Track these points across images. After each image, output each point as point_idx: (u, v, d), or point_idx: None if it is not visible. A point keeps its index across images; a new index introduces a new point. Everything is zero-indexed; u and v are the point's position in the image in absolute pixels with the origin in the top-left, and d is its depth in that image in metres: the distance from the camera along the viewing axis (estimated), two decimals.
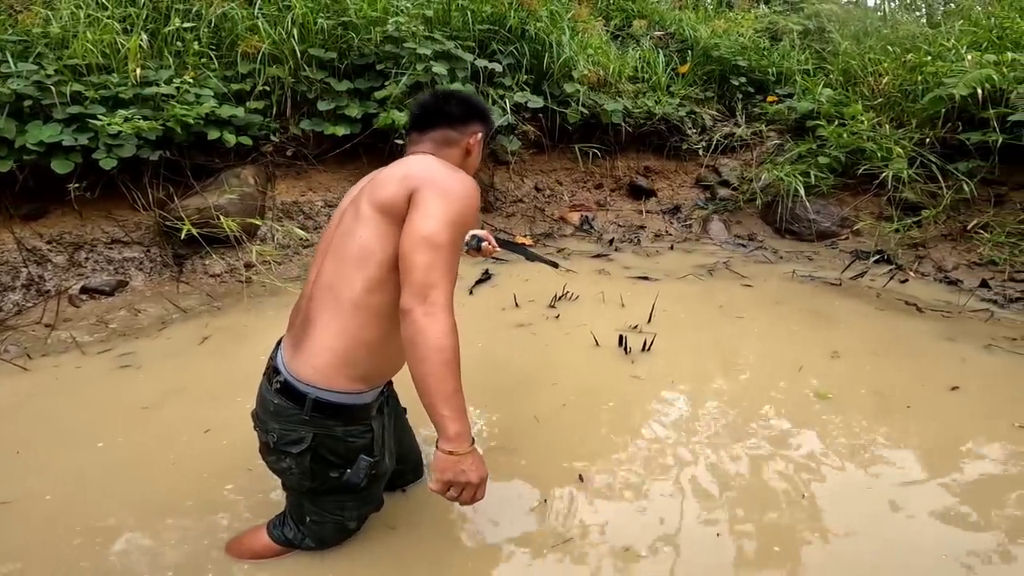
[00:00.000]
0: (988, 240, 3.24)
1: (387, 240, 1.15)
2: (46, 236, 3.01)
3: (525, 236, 3.91)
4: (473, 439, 1.11)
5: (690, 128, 4.53)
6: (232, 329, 2.66)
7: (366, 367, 1.20)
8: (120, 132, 2.89)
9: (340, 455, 1.22)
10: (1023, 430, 1.89)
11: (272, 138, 3.50)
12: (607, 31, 5.07)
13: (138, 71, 3.09)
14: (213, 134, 3.14)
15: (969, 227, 3.38)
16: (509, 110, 3.92)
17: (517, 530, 1.50)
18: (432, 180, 1.15)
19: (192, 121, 3.01)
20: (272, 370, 1.24)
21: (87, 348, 2.50)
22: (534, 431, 1.90)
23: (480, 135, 1.36)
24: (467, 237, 1.61)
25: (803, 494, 1.62)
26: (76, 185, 2.91)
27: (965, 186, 3.45)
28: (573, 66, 4.26)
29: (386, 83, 3.72)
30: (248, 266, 3.12)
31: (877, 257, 3.43)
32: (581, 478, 1.68)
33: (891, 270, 3.27)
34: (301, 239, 3.42)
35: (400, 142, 3.59)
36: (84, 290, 2.98)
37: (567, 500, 1.60)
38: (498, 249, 1.73)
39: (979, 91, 3.37)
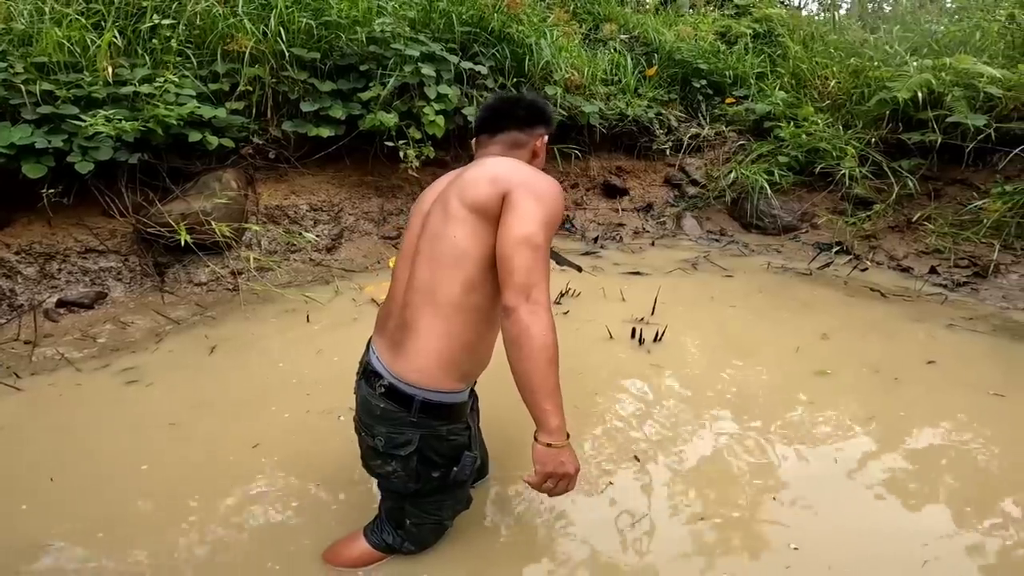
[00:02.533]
0: (933, 231, 3.63)
1: (482, 240, 1.17)
2: (14, 247, 2.79)
3: None
4: (568, 434, 1.15)
5: (658, 129, 4.75)
6: (236, 338, 2.58)
7: (468, 365, 1.24)
8: (98, 134, 2.71)
9: (444, 454, 1.25)
10: (997, 397, 2.17)
11: (253, 140, 3.38)
12: (580, 34, 5.21)
13: (110, 69, 2.90)
14: (194, 136, 3.00)
15: (914, 219, 3.77)
16: None
17: (594, 514, 1.60)
18: (525, 182, 1.18)
19: (174, 122, 2.87)
20: (373, 374, 1.25)
21: (80, 364, 2.36)
22: (579, 420, 1.99)
23: (545, 137, 1.40)
24: None
25: (834, 458, 1.83)
26: (50, 191, 2.71)
27: (909, 182, 3.83)
28: (554, 69, 4.37)
29: (370, 84, 3.68)
30: (235, 273, 3.00)
31: (837, 248, 3.75)
32: (637, 459, 1.80)
33: (851, 260, 3.61)
34: (289, 244, 3.33)
35: (390, 144, 3.56)
36: (61, 303, 2.79)
37: (632, 480, 1.73)
38: None
39: (919, 94, 3.75)
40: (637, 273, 3.44)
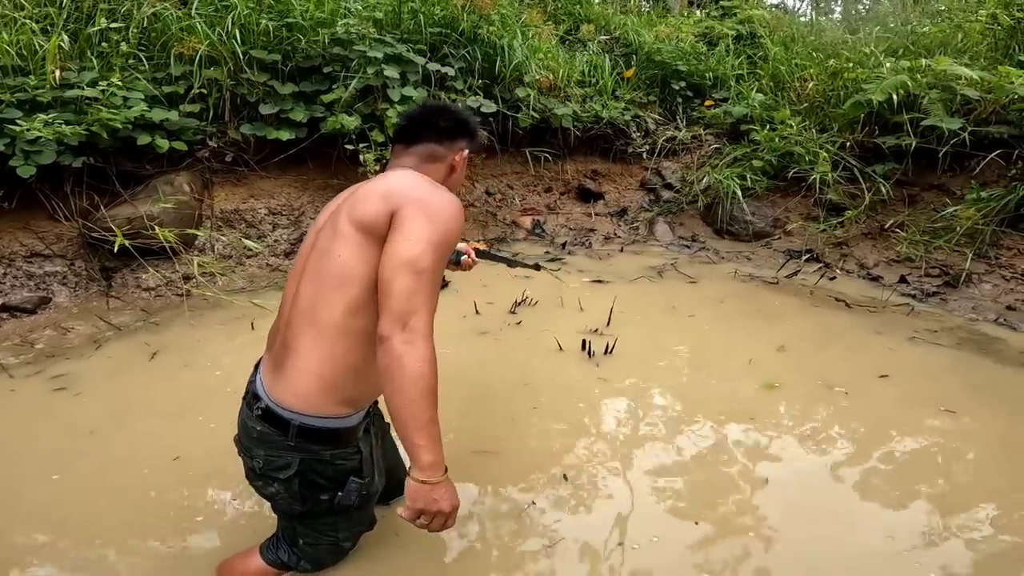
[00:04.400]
0: (905, 239, 3.55)
1: (368, 260, 1.10)
2: None
3: (479, 241, 3.91)
4: (446, 468, 1.09)
5: (635, 132, 4.68)
6: (178, 345, 2.53)
7: (352, 391, 1.17)
8: (39, 138, 2.66)
9: (329, 478, 1.19)
10: (948, 413, 2.10)
11: (209, 143, 3.32)
12: (556, 35, 5.15)
13: (58, 73, 2.86)
14: (143, 139, 2.95)
15: (887, 226, 3.68)
16: None
17: (511, 532, 1.54)
18: (417, 199, 1.11)
19: (120, 125, 2.82)
20: (252, 395, 1.20)
21: (14, 370, 2.32)
22: (512, 434, 1.94)
23: (466, 152, 1.33)
24: None
25: (766, 479, 1.77)
26: None
27: (882, 188, 3.75)
28: (525, 70, 4.30)
29: (333, 86, 3.62)
30: (187, 278, 2.95)
31: (807, 256, 3.68)
32: (566, 477, 1.74)
33: (820, 268, 3.53)
34: (245, 249, 3.28)
35: (350, 147, 3.51)
36: (3, 308, 2.74)
37: (555, 500, 1.66)
38: (478, 262, 1.73)
39: (894, 97, 3.67)
40: (599, 281, 3.37)
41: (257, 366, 1.29)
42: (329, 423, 1.15)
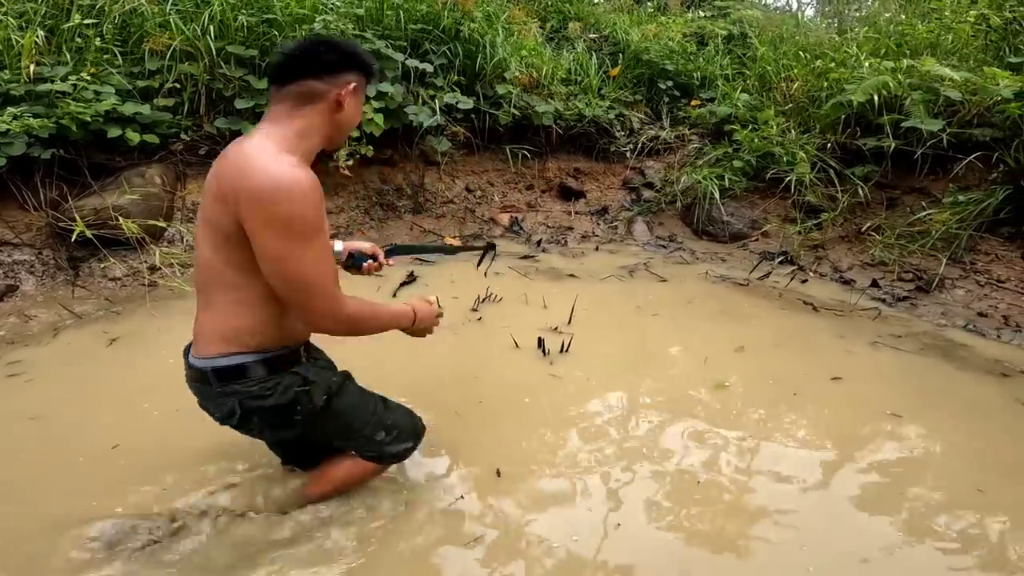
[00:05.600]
0: (880, 242, 3.51)
1: (224, 248, 1.17)
2: None
3: (455, 237, 3.92)
4: (412, 311, 1.43)
5: (619, 130, 4.66)
6: (137, 334, 2.56)
7: (250, 335, 1.25)
8: (9, 130, 2.72)
9: (273, 407, 1.28)
10: (894, 417, 2.08)
11: (183, 136, 3.36)
12: (543, 33, 5.14)
13: (32, 68, 2.91)
14: (113, 132, 3.00)
15: (863, 229, 3.64)
16: (439, 111, 3.93)
17: (436, 528, 1.55)
18: (256, 208, 1.07)
19: (90, 119, 2.87)
20: (185, 359, 1.35)
21: None
22: (454, 427, 1.95)
23: (354, 85, 1.20)
24: (343, 256, 1.55)
25: (698, 480, 1.76)
26: None
27: (860, 190, 3.71)
28: (506, 67, 4.31)
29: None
30: (153, 269, 2.98)
31: (782, 258, 3.64)
32: (499, 473, 1.74)
33: (793, 271, 3.50)
34: None
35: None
36: None
37: (485, 496, 1.67)
38: (389, 263, 1.63)
39: (875, 97, 3.62)
40: (571, 276, 3.37)
41: None
42: (235, 360, 1.24)
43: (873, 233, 3.59)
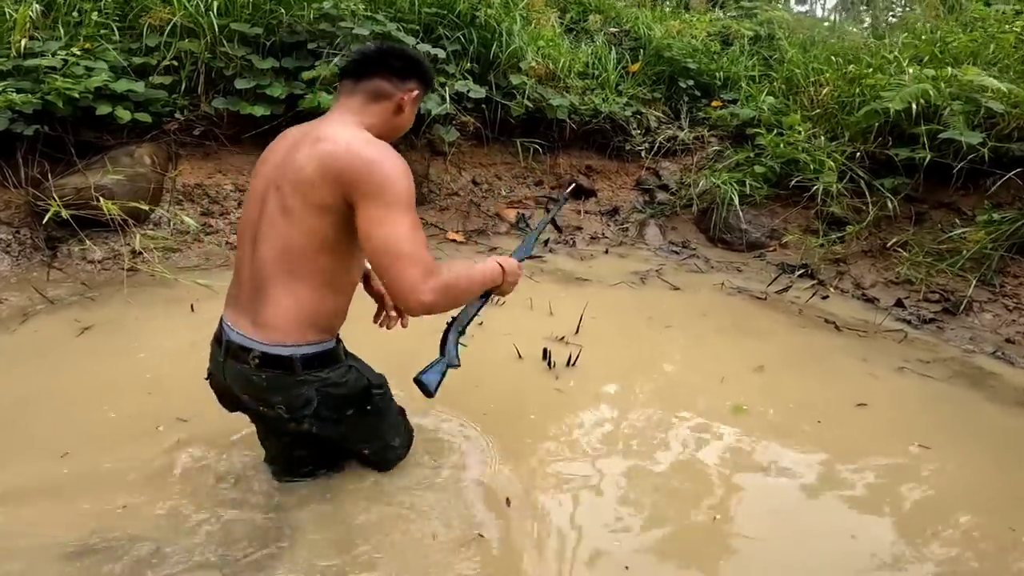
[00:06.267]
0: (907, 259, 3.33)
1: (321, 232, 1.20)
2: None
3: (457, 231, 3.77)
4: (499, 266, 1.44)
5: (635, 128, 4.48)
6: (110, 323, 2.41)
7: (326, 320, 1.30)
8: None
9: (345, 397, 1.33)
10: (922, 449, 1.94)
11: (178, 116, 3.21)
12: (562, 24, 4.95)
13: (24, 42, 2.78)
14: (103, 109, 2.85)
15: (889, 244, 3.46)
16: (449, 99, 3.76)
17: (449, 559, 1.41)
18: (368, 179, 1.16)
19: (78, 95, 2.72)
20: (238, 349, 1.27)
21: None
22: (454, 447, 1.81)
23: (416, 93, 1.34)
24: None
25: (715, 516, 1.61)
26: None
27: (889, 203, 3.52)
28: (522, 57, 4.13)
29: (316, 63, 3.49)
30: (135, 253, 2.84)
31: (801, 271, 3.47)
32: (508, 502, 1.58)
33: (813, 285, 3.32)
34: (204, 226, 3.15)
35: None
36: None
37: (496, 529, 1.51)
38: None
39: (913, 106, 3.43)
40: (581, 280, 3.21)
41: (221, 326, 1.35)
42: (321, 347, 1.29)
43: (899, 249, 3.41)
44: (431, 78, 1.38)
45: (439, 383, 1.47)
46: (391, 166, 1.17)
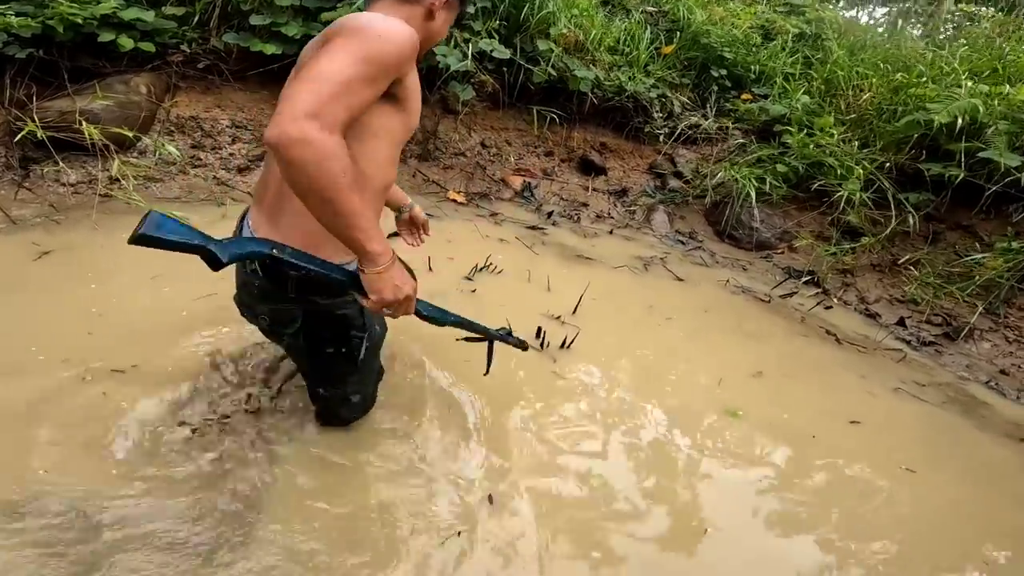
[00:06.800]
0: (916, 279, 3.25)
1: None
2: None
3: (459, 192, 3.66)
4: (394, 256, 1.08)
5: (657, 111, 4.33)
6: (71, 250, 2.29)
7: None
8: None
9: (331, 329, 1.25)
10: (908, 472, 1.91)
11: (183, 48, 3.07)
12: None
13: None
14: (105, 36, 2.75)
15: (900, 261, 3.37)
16: (471, 56, 3.61)
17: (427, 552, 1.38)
18: (349, 22, 1.00)
19: (82, 21, 2.61)
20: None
21: None
22: (444, 429, 1.74)
23: (447, 1, 1.21)
24: (405, 214, 1.68)
25: (705, 529, 1.57)
26: None
27: (911, 219, 3.42)
28: (553, 23, 3.96)
29: (339, 5, 3.32)
30: (114, 180, 2.73)
31: (808, 278, 3.39)
32: (491, 500, 1.54)
33: (818, 294, 3.25)
34: (192, 159, 3.02)
35: None
36: None
37: (472, 519, 1.48)
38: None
39: (959, 121, 3.29)
40: (582, 258, 3.12)
41: (243, 219, 1.26)
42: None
43: (910, 267, 3.32)
44: None
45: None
46: (370, 19, 1.00)
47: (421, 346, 2.01)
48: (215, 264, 0.98)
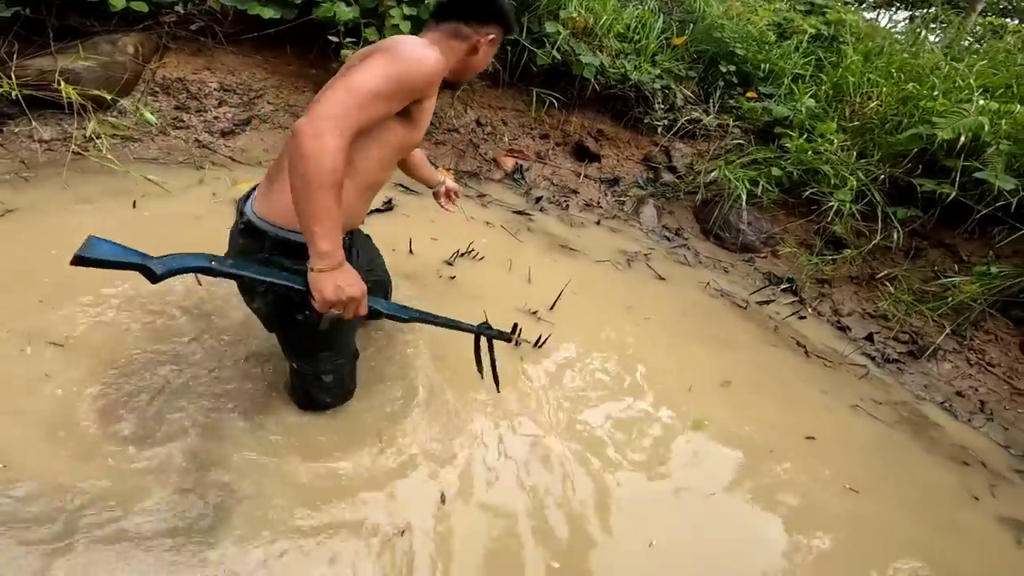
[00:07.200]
0: (891, 295, 3.30)
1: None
2: None
3: (449, 170, 3.65)
4: (344, 260, 1.17)
5: (659, 103, 4.29)
6: (36, 209, 2.24)
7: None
8: None
9: (301, 295, 1.24)
10: (851, 492, 2.00)
11: (178, 8, 3.00)
12: None
13: None
14: None
15: (878, 276, 3.42)
16: None
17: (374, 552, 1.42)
18: (392, 43, 1.20)
19: None
20: (239, 212, 1.32)
21: None
22: (401, 423, 1.79)
23: (493, 37, 1.39)
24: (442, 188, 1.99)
25: (650, 542, 1.64)
26: None
27: (896, 234, 3.45)
28: (563, 5, 3.88)
29: None
30: (89, 139, 2.69)
31: (786, 286, 3.44)
32: (443, 499, 1.59)
33: (794, 302, 3.30)
34: (175, 120, 2.97)
35: (334, 39, 3.17)
36: None
37: (427, 529, 1.52)
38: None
39: (962, 138, 3.27)
40: (566, 248, 3.15)
41: (255, 188, 1.38)
42: (302, 237, 1.17)
43: (886, 283, 3.38)
44: (511, 23, 1.41)
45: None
46: (412, 45, 1.20)
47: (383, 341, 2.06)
48: (152, 278, 1.08)
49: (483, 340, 1.66)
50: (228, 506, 1.42)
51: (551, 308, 2.54)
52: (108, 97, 2.71)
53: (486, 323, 1.66)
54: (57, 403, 1.55)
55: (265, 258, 1.25)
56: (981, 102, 3.49)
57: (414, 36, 1.28)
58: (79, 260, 1.01)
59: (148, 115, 2.82)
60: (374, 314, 1.31)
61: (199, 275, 1.27)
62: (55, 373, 1.61)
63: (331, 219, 1.10)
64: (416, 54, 1.19)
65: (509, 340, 1.70)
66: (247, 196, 1.36)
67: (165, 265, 1.08)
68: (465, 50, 1.36)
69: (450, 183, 2.02)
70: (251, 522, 1.41)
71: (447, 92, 3.81)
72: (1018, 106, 3.36)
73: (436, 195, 2.03)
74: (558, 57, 3.85)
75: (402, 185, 3.27)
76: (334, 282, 1.15)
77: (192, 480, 1.46)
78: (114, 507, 1.36)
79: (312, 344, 1.46)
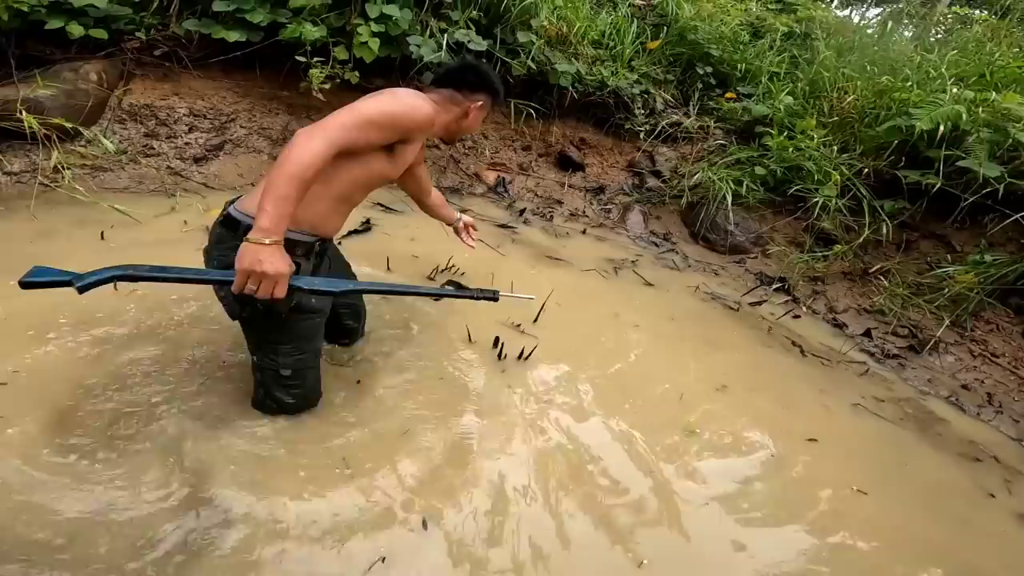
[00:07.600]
0: (886, 289, 3.23)
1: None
2: None
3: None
4: (280, 243, 1.22)
5: (639, 108, 4.26)
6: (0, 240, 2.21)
7: (301, 212, 1.35)
8: None
9: (224, 286, 1.31)
10: (859, 495, 1.89)
11: (139, 35, 2.96)
12: None
13: None
14: (54, 23, 2.66)
15: (871, 270, 3.36)
16: (446, 47, 3.52)
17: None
18: (397, 89, 1.41)
19: (28, 8, 2.53)
20: (225, 206, 1.44)
21: None
22: (382, 447, 1.69)
23: (482, 104, 1.60)
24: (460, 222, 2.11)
25: (642, 561, 1.53)
26: None
27: (884, 227, 3.40)
28: (535, 14, 3.86)
29: None
30: (60, 168, 2.64)
31: (778, 285, 3.36)
32: (425, 524, 1.49)
33: (787, 302, 3.23)
34: (145, 148, 2.91)
35: (302, 59, 3.13)
36: None
37: (408, 554, 1.42)
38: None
39: (941, 128, 3.24)
40: (551, 259, 3.07)
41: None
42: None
43: (880, 277, 3.31)
44: (499, 92, 1.63)
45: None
46: (414, 95, 1.41)
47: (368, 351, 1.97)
48: (78, 289, 1.19)
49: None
50: (197, 543, 1.32)
51: (535, 321, 2.45)
52: (69, 126, 2.65)
53: (453, 282, 1.67)
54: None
55: (236, 244, 1.27)
56: (955, 91, 3.47)
57: (418, 91, 1.47)
58: (22, 285, 1.18)
59: (107, 143, 2.74)
60: (303, 308, 1.42)
61: (117, 283, 1.23)
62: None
63: (285, 205, 1.19)
64: (414, 102, 1.40)
65: (496, 299, 1.69)
66: (234, 199, 1.46)
67: (84, 279, 1.19)
68: (458, 114, 1.57)
69: (467, 218, 2.14)
70: (224, 555, 1.30)
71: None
72: (994, 94, 3.33)
73: (456, 231, 2.14)
74: (533, 67, 3.82)
75: (381, 204, 3.20)
76: (256, 255, 1.20)
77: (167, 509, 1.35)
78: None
79: (274, 335, 1.49)
